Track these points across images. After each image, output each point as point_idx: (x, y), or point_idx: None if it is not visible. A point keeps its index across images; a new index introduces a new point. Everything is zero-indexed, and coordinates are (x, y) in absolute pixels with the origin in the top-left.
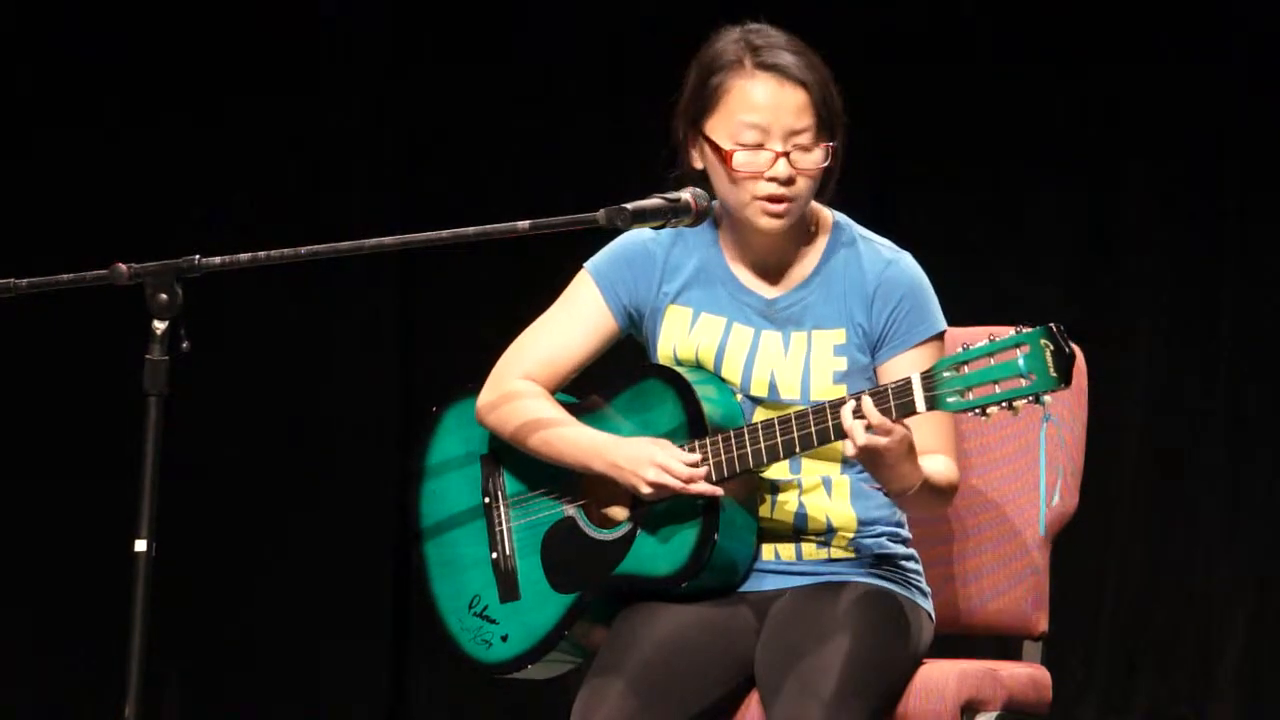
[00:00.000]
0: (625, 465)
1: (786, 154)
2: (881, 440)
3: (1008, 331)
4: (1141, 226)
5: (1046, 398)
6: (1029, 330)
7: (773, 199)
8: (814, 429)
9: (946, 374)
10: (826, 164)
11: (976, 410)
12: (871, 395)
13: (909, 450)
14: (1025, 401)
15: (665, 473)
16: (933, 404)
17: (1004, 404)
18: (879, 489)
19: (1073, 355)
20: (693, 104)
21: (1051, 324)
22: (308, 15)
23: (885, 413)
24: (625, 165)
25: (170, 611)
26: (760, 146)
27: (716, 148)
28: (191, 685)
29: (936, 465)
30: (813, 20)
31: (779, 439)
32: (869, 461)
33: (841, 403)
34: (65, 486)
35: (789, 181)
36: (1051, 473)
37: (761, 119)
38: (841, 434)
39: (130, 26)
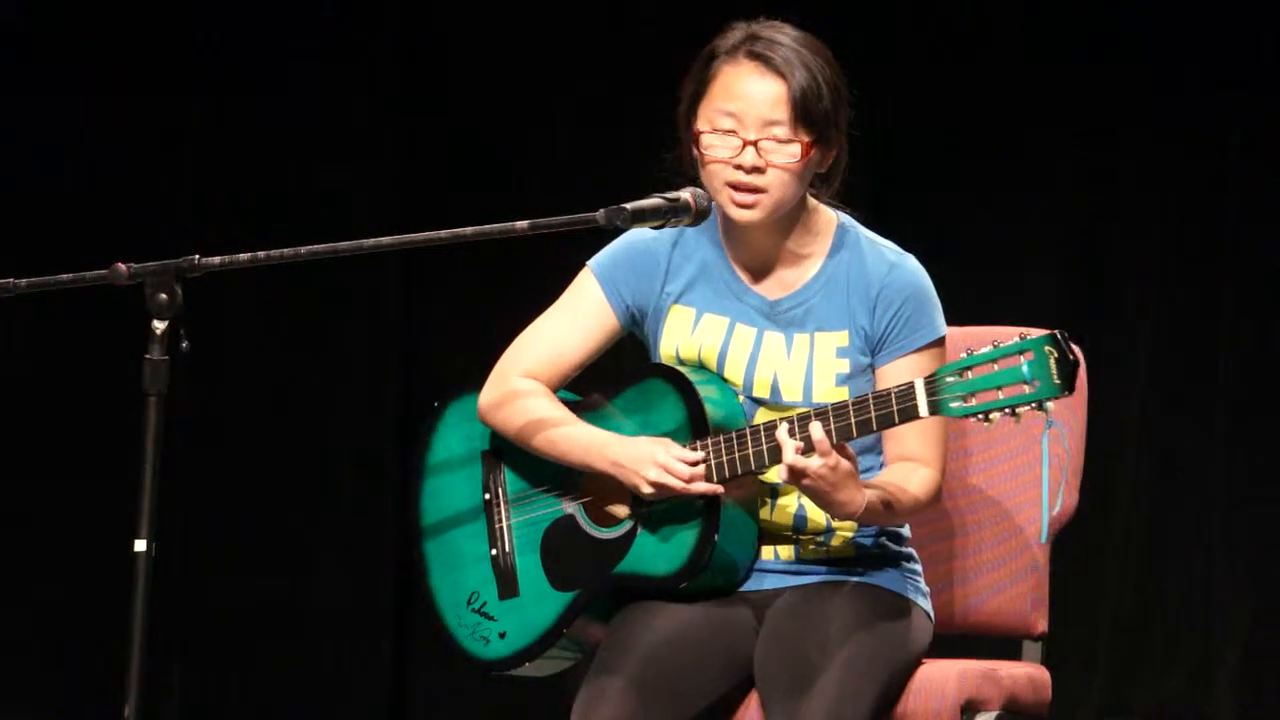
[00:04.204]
0: (627, 464)
1: (755, 143)
2: (813, 464)
3: (1012, 337)
4: (1141, 226)
5: (1050, 404)
6: (1033, 336)
7: (739, 188)
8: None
9: (950, 379)
10: (800, 161)
11: (979, 416)
12: (874, 399)
13: (846, 479)
14: (1028, 408)
15: (667, 472)
16: (936, 409)
17: (1007, 410)
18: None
19: (1076, 362)
20: (689, 88)
21: (1056, 331)
22: (307, 15)
23: (888, 417)
24: (625, 165)
25: (171, 612)
26: (732, 133)
27: (696, 132)
28: (192, 686)
29: (909, 480)
30: (810, 18)
31: None
32: (796, 484)
33: (844, 405)
34: (65, 486)
35: (756, 171)
36: (1054, 480)
37: (737, 106)
38: (845, 436)
39: (131, 26)
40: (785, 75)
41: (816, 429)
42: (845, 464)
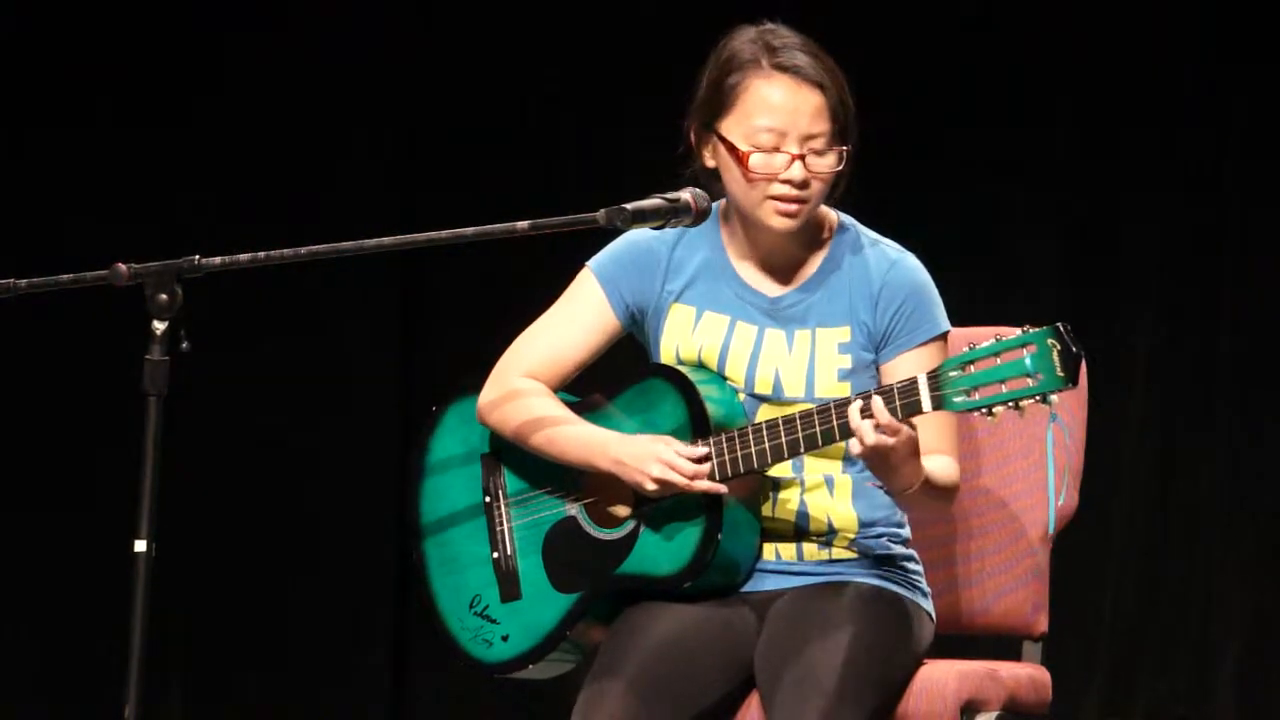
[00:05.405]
0: (630, 462)
1: (802, 157)
2: (888, 440)
3: (1014, 331)
4: (1141, 225)
5: (1053, 397)
6: (1036, 330)
7: (785, 199)
8: (819, 429)
9: (953, 374)
10: (840, 168)
11: (983, 410)
12: (878, 394)
13: (913, 450)
14: (1032, 402)
15: (670, 469)
16: (939, 404)
17: (1010, 404)
18: (880, 486)
19: (1080, 355)
20: (707, 102)
21: (1059, 324)
22: (307, 15)
23: (891, 413)
24: (624, 165)
25: (171, 612)
26: (776, 149)
27: (732, 148)
28: (193, 686)
29: (938, 465)
30: (810, 16)
31: (784, 439)
32: (874, 461)
33: (846, 402)
34: (65, 486)
35: (803, 184)
36: (1059, 472)
37: (778, 122)
38: (848, 433)
39: (131, 26)
40: (823, 86)
41: (879, 405)
42: (914, 435)
